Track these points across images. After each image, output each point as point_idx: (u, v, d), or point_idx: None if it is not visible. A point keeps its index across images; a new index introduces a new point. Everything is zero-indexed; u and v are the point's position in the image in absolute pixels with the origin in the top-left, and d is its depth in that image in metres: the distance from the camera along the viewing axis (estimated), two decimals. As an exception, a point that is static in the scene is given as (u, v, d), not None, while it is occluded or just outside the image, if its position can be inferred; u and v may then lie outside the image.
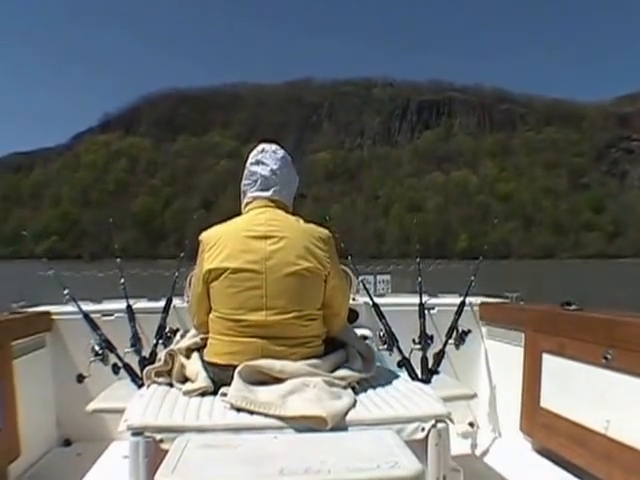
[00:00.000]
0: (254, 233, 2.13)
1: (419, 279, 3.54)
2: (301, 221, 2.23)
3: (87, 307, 3.34)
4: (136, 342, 3.12)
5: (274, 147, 2.37)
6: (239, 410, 1.85)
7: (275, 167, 2.29)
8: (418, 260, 3.68)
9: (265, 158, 2.31)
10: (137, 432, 1.72)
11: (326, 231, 2.24)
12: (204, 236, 2.23)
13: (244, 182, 2.33)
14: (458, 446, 3.06)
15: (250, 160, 2.34)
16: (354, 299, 3.45)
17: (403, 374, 2.45)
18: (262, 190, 2.28)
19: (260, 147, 2.37)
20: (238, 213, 2.33)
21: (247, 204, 2.31)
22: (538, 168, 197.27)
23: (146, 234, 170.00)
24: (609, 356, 2.52)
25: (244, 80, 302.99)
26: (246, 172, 2.33)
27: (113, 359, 3.05)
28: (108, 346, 3.07)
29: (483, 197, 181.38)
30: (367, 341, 2.84)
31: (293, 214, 2.29)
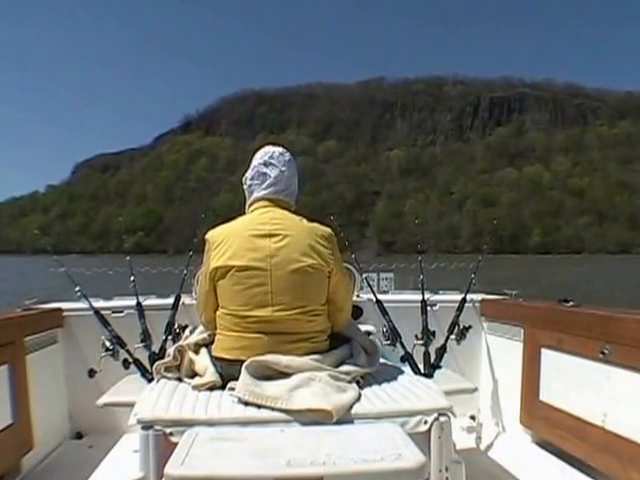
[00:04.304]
0: (259, 232, 2.17)
1: (421, 276, 3.58)
2: (304, 220, 2.27)
3: (98, 304, 3.40)
4: (146, 338, 3.19)
5: (281, 149, 2.42)
6: (247, 404, 1.89)
7: (283, 169, 2.34)
8: (420, 258, 3.69)
9: (274, 159, 2.36)
10: (147, 425, 1.76)
11: (329, 229, 2.28)
12: (210, 235, 2.27)
13: (251, 182, 2.37)
14: (460, 439, 3.11)
15: (259, 161, 2.38)
16: (358, 296, 3.54)
17: (406, 369, 2.50)
18: (269, 190, 2.32)
19: (268, 149, 2.42)
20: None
21: (251, 204, 2.36)
22: (612, 163, 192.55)
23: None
24: (606, 351, 2.55)
25: (319, 80, 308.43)
26: (253, 172, 2.37)
27: (123, 354, 3.12)
28: (118, 342, 3.13)
29: (556, 193, 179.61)
30: (371, 337, 2.87)
31: (296, 213, 2.33)
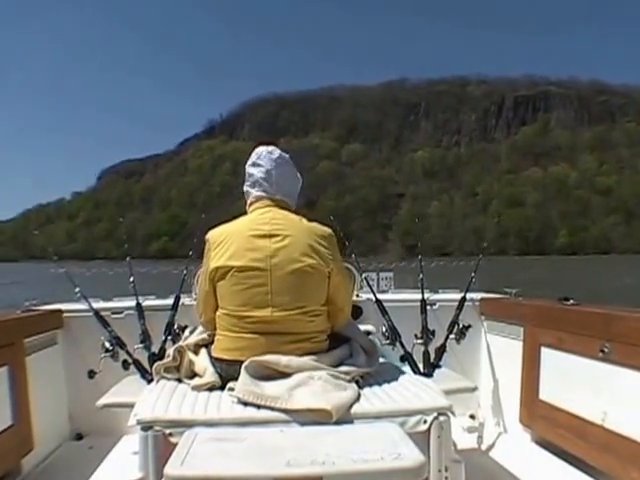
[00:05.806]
0: (258, 232, 2.17)
1: (420, 276, 3.55)
2: (304, 220, 2.26)
3: (97, 305, 3.40)
4: (145, 339, 3.19)
5: (270, 148, 2.39)
6: (246, 404, 1.89)
7: (270, 167, 2.33)
8: (420, 257, 3.70)
9: (260, 160, 2.35)
10: (147, 426, 1.76)
11: (329, 229, 2.28)
12: (210, 235, 2.27)
13: (245, 184, 2.38)
14: (460, 438, 3.13)
15: (248, 162, 2.38)
16: (358, 295, 3.54)
17: (406, 368, 2.52)
18: (262, 190, 2.32)
19: (257, 149, 2.40)
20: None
21: (251, 204, 2.36)
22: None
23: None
24: (606, 349, 2.54)
25: (341, 82, 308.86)
26: (246, 174, 2.38)
27: (123, 355, 3.12)
28: (118, 343, 3.14)
29: (583, 192, 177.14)
30: (370, 336, 2.88)
31: (296, 213, 2.32)
